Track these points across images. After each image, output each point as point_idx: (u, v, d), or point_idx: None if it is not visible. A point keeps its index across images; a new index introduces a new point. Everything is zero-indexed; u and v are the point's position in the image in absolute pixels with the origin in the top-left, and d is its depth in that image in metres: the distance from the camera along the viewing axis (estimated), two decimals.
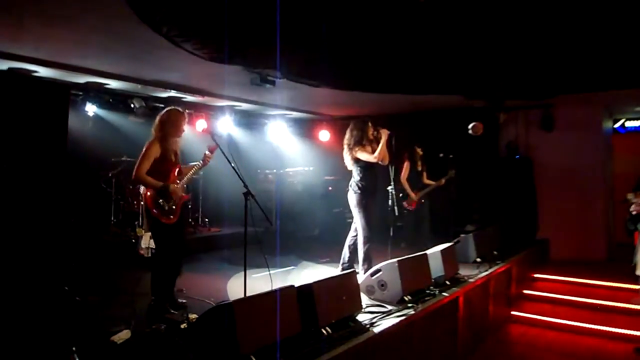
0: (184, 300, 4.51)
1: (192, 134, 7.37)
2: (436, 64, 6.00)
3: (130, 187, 7.60)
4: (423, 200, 7.31)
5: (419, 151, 7.43)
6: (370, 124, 5.62)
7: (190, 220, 8.28)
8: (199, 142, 6.11)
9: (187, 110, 4.61)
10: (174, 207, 4.33)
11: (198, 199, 8.74)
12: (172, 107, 4.54)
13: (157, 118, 4.45)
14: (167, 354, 3.43)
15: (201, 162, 4.46)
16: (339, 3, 4.37)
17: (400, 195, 7.27)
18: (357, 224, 5.55)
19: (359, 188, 5.51)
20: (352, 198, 5.55)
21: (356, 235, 5.65)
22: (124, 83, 7.16)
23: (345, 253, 5.74)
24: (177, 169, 4.45)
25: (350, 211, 5.78)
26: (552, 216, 8.62)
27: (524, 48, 5.52)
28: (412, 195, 7.21)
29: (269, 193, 9.81)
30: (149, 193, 4.28)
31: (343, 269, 5.64)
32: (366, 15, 4.67)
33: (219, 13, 4.30)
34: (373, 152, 5.50)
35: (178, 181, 4.42)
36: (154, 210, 4.22)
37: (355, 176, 5.58)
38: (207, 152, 4.45)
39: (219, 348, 2.98)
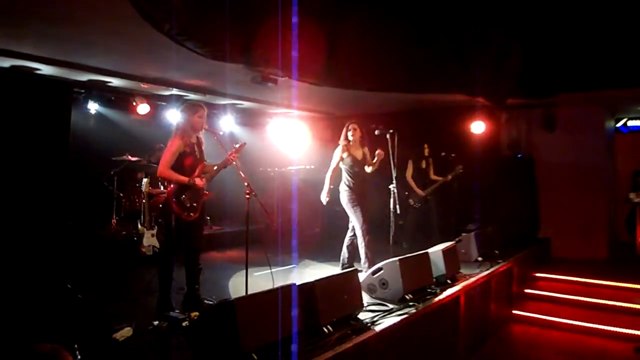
0: (211, 302, 4.42)
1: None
2: (438, 62, 6.00)
3: (136, 184, 7.61)
4: (429, 197, 7.32)
5: (426, 149, 7.45)
6: (354, 127, 5.70)
7: None
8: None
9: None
10: (195, 204, 4.30)
11: None
12: (190, 102, 4.52)
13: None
14: (169, 351, 3.44)
15: (226, 159, 4.35)
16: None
17: (406, 193, 7.28)
18: (353, 221, 5.62)
19: (347, 187, 5.66)
20: (343, 197, 5.69)
21: (353, 235, 5.68)
22: (126, 81, 7.16)
23: (345, 254, 5.76)
24: (201, 166, 4.41)
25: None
26: (554, 215, 8.61)
27: (527, 47, 5.51)
28: (419, 191, 7.23)
29: (270, 191, 9.81)
30: (171, 189, 4.26)
31: (343, 268, 5.66)
32: (367, 13, 4.67)
33: (221, 11, 4.30)
34: (354, 154, 5.66)
35: (202, 178, 4.38)
36: (175, 207, 4.20)
37: (343, 176, 5.73)
38: (233, 150, 4.36)
39: (220, 346, 2.99)
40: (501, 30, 4.97)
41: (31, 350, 2.58)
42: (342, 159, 5.71)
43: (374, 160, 5.64)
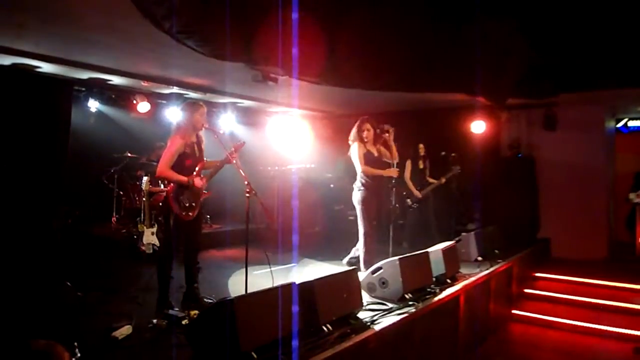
0: (210, 300, 4.41)
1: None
2: (439, 61, 6.00)
3: (136, 182, 7.61)
4: (427, 196, 7.31)
5: (422, 149, 7.43)
6: (368, 126, 5.58)
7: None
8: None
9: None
10: (194, 203, 4.31)
11: None
12: (190, 101, 4.53)
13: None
14: (168, 349, 3.44)
15: (226, 158, 4.35)
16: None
17: (404, 193, 7.28)
18: (359, 221, 5.54)
19: (362, 185, 5.49)
20: (356, 195, 5.54)
21: None
22: (127, 79, 7.16)
23: (354, 252, 5.73)
24: (201, 165, 4.41)
25: (351, 209, 5.79)
26: (554, 215, 8.61)
27: (527, 46, 5.51)
28: (416, 193, 7.22)
29: (270, 190, 9.80)
30: (170, 188, 4.26)
31: (349, 263, 5.63)
32: (369, 12, 4.67)
33: (221, 10, 4.30)
34: (370, 150, 5.53)
35: (201, 177, 4.39)
36: (175, 206, 4.20)
37: (358, 175, 5.56)
38: (232, 149, 4.36)
39: (220, 344, 2.99)
40: (503, 28, 4.97)
41: (26, 346, 2.58)
42: (363, 155, 5.51)
43: (392, 147, 5.52)
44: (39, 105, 6.30)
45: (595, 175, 8.45)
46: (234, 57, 5.64)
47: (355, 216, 5.67)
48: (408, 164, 7.33)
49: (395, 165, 5.61)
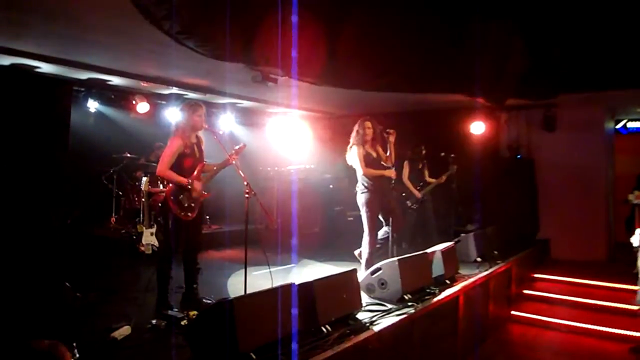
0: (209, 301, 4.39)
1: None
2: (438, 62, 6.00)
3: (136, 183, 7.60)
4: (425, 198, 7.32)
5: (422, 150, 7.44)
6: (368, 125, 5.49)
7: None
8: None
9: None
10: (193, 204, 4.31)
11: None
12: (189, 101, 4.53)
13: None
14: (168, 350, 3.44)
15: (226, 160, 4.36)
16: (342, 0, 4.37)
17: (403, 194, 7.28)
18: (363, 223, 5.45)
19: (365, 188, 5.40)
20: (360, 198, 5.44)
21: (382, 239, 5.62)
22: (126, 79, 7.16)
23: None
24: (201, 166, 4.42)
25: (351, 210, 5.77)
26: (553, 216, 8.62)
27: (527, 47, 5.52)
28: (416, 193, 7.22)
29: (269, 191, 9.80)
30: (170, 188, 4.27)
31: (360, 255, 5.58)
32: (368, 13, 4.67)
33: (221, 10, 4.30)
34: (369, 152, 5.48)
35: (200, 179, 4.39)
36: (174, 206, 4.20)
37: (360, 177, 5.48)
38: (233, 152, 4.36)
39: (219, 345, 2.99)
40: (503, 28, 4.97)
41: (28, 346, 2.58)
42: (363, 157, 5.41)
43: (388, 154, 5.45)
44: (38, 106, 6.29)
45: (595, 176, 8.46)
46: (233, 58, 5.64)
47: (355, 217, 5.65)
48: (405, 164, 7.33)
49: (393, 167, 5.60)
